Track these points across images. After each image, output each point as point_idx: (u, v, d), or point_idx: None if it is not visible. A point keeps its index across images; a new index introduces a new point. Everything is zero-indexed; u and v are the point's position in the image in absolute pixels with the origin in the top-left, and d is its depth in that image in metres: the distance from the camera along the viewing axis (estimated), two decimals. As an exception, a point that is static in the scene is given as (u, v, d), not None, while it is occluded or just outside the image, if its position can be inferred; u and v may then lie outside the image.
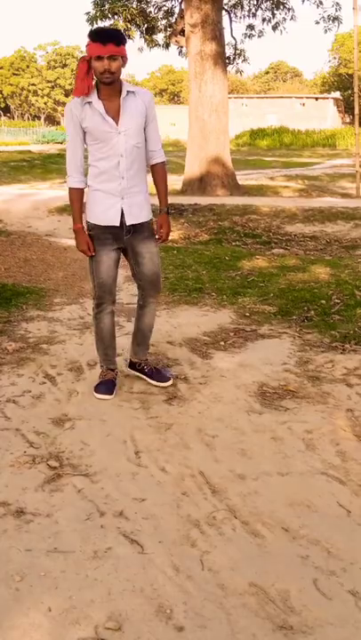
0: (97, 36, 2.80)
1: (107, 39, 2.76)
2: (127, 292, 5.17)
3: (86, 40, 2.86)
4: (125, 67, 2.88)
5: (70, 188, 3.07)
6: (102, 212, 3.05)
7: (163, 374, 3.39)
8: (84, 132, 2.95)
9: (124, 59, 2.84)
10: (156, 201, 3.20)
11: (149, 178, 3.09)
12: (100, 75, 2.81)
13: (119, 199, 3.02)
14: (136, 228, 3.08)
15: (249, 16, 15.60)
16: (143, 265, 3.16)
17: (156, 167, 3.16)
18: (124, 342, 3.82)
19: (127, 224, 3.05)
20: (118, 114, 2.91)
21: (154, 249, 3.17)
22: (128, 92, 2.92)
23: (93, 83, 2.89)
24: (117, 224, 3.04)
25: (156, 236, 3.18)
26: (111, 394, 3.25)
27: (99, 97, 2.90)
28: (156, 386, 3.33)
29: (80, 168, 3.03)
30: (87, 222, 3.12)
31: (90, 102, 2.90)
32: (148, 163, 3.14)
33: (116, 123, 2.91)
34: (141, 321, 3.34)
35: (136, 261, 3.16)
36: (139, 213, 3.08)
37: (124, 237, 3.08)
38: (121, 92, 2.91)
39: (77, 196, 3.07)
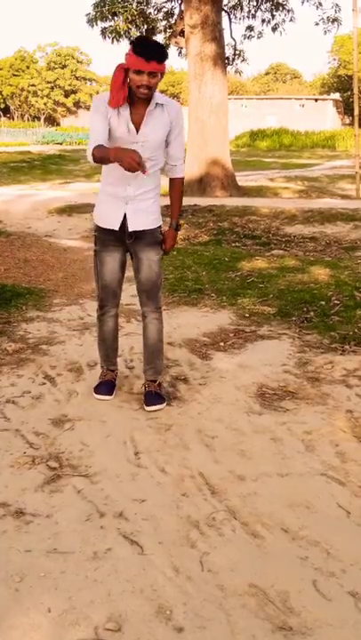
0: (142, 49, 2.65)
1: (151, 56, 2.65)
2: (127, 293, 5.16)
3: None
4: (161, 80, 2.81)
5: (93, 151, 2.74)
6: (105, 215, 3.03)
7: (155, 398, 3.15)
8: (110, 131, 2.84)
9: (162, 75, 2.76)
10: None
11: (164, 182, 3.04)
12: (136, 88, 2.72)
13: (123, 204, 2.97)
14: (139, 235, 3.02)
15: (248, 17, 15.62)
16: (141, 272, 3.09)
17: (175, 182, 3.12)
18: (122, 343, 3.83)
19: (129, 229, 2.99)
20: (141, 123, 2.84)
21: (154, 257, 3.07)
22: (157, 104, 2.84)
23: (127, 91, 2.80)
24: (116, 228, 2.99)
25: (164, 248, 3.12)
26: (110, 394, 3.24)
27: (128, 102, 2.82)
28: (145, 408, 3.13)
29: (103, 141, 2.79)
30: (94, 223, 3.11)
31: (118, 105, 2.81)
32: (168, 175, 3.09)
33: (137, 131, 2.84)
34: (144, 336, 3.22)
35: (135, 267, 3.11)
36: (143, 220, 3.00)
37: (127, 241, 3.04)
38: (150, 102, 2.82)
39: (100, 147, 2.74)
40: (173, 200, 3.15)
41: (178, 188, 3.14)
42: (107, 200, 3.02)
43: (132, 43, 2.75)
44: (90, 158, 2.82)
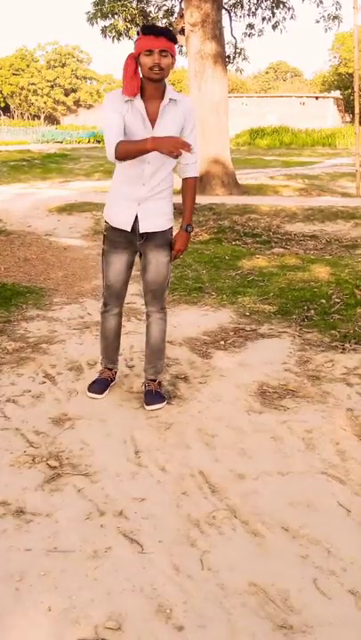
0: (149, 29, 2.68)
1: (159, 32, 2.66)
2: (128, 292, 5.16)
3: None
4: (173, 67, 2.79)
5: (116, 147, 2.70)
6: (117, 215, 2.98)
7: (155, 397, 3.15)
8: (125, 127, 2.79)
9: (173, 58, 2.74)
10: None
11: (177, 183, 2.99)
12: (148, 70, 2.69)
13: (135, 204, 2.93)
14: (150, 235, 2.98)
15: (249, 15, 15.62)
16: (148, 272, 3.06)
17: (188, 182, 3.02)
18: (122, 341, 3.82)
19: (140, 231, 2.95)
20: (156, 118, 2.80)
21: (163, 259, 3.03)
22: (170, 99, 2.80)
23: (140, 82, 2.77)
24: (128, 229, 2.95)
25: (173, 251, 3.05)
26: (101, 393, 3.23)
27: (141, 96, 2.79)
28: (145, 407, 3.13)
29: (122, 137, 2.77)
30: (104, 222, 3.08)
31: (131, 100, 2.78)
32: (180, 175, 3.03)
33: (153, 126, 2.80)
34: (147, 335, 3.21)
35: (143, 267, 3.08)
36: (154, 221, 2.96)
37: (137, 242, 3.01)
38: (163, 96, 2.80)
39: (124, 142, 2.72)
40: (187, 200, 3.05)
41: (191, 188, 3.04)
42: (119, 200, 2.98)
43: (140, 28, 2.76)
44: (111, 156, 2.75)
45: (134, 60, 2.74)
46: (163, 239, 3.01)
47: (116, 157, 2.74)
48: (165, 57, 2.69)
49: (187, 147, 2.58)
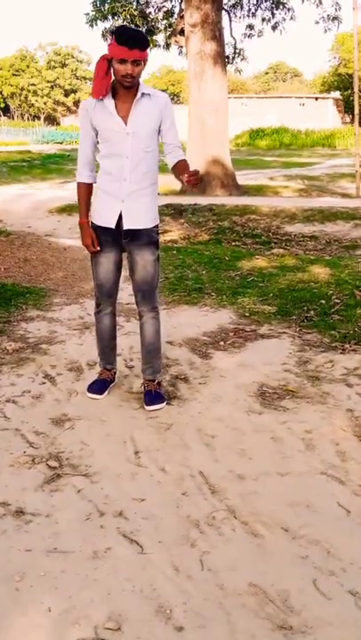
0: (123, 39, 2.68)
1: (133, 44, 2.68)
2: (126, 292, 5.16)
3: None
4: (145, 68, 2.83)
5: (78, 183, 3.07)
6: (101, 213, 3.02)
7: (154, 397, 3.14)
8: (96, 131, 2.90)
9: (145, 62, 2.78)
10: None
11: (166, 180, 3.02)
12: (121, 77, 2.74)
13: (119, 201, 2.95)
14: (135, 234, 2.99)
15: (248, 16, 15.63)
16: (136, 272, 3.07)
17: (180, 162, 2.96)
18: (122, 342, 3.83)
19: (124, 228, 2.97)
20: (129, 114, 2.84)
21: (149, 257, 3.03)
22: (143, 94, 2.85)
23: (111, 82, 2.83)
24: (112, 226, 2.98)
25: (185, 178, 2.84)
26: (101, 394, 3.24)
27: (112, 96, 2.84)
28: (145, 408, 3.12)
29: (89, 164, 3.02)
30: (91, 222, 3.10)
31: (101, 101, 2.84)
32: (170, 165, 3.02)
33: (125, 123, 2.84)
34: (141, 335, 3.21)
35: (130, 267, 3.09)
36: (138, 219, 2.97)
37: (122, 241, 3.03)
38: (136, 93, 2.84)
39: (84, 190, 3.05)
40: (180, 163, 2.95)
41: (183, 162, 2.96)
42: (102, 197, 3.00)
43: (113, 32, 2.78)
44: (78, 180, 3.09)
45: (106, 61, 2.78)
46: (148, 238, 3.02)
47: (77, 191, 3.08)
48: (138, 65, 2.74)
49: (91, 248, 3.04)
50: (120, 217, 2.97)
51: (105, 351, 3.33)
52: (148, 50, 2.81)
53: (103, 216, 3.01)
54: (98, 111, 2.87)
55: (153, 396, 3.15)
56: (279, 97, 46.77)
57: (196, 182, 2.83)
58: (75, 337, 4.18)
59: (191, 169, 2.86)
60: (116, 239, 3.03)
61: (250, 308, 4.78)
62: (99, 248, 3.04)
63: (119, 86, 2.82)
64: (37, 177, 16.21)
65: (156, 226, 3.09)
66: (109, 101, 2.85)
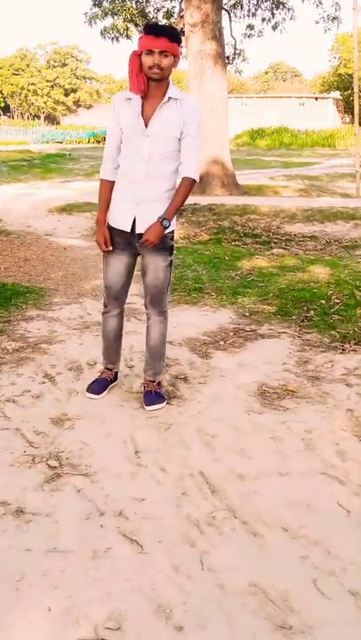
0: (150, 28, 2.68)
1: (160, 33, 2.65)
2: (129, 292, 5.16)
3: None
4: (176, 67, 2.78)
5: (100, 179, 3.03)
6: (116, 215, 2.98)
7: (154, 398, 3.13)
8: (121, 128, 2.86)
9: (176, 58, 2.73)
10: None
11: None
12: (148, 69, 2.70)
13: (134, 205, 2.91)
14: None
15: (249, 16, 15.62)
16: (147, 276, 3.05)
17: (183, 181, 2.89)
18: (122, 341, 3.82)
19: (137, 232, 2.93)
20: (152, 116, 2.79)
21: (161, 263, 3.00)
22: (170, 98, 2.78)
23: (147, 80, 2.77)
24: (128, 230, 2.95)
25: (140, 241, 2.91)
26: (99, 394, 3.23)
27: (143, 95, 2.81)
28: (145, 408, 3.12)
29: (112, 161, 2.94)
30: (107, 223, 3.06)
31: (130, 98, 2.81)
32: (180, 175, 2.92)
33: (146, 125, 2.80)
34: (147, 337, 3.20)
35: (142, 270, 3.08)
36: (152, 223, 2.89)
37: (135, 244, 3.00)
38: (164, 95, 2.79)
39: (105, 187, 2.99)
40: (175, 195, 2.90)
41: (183, 186, 2.88)
42: (118, 199, 2.97)
43: (144, 27, 2.77)
44: (100, 175, 3.06)
45: (138, 57, 2.74)
46: (161, 243, 2.95)
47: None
48: (166, 57, 2.69)
49: (103, 246, 3.01)
50: (134, 220, 2.93)
51: (109, 351, 3.33)
52: (179, 46, 2.75)
53: (118, 219, 2.98)
54: (125, 108, 2.83)
55: (153, 396, 3.15)
56: (279, 97, 46.75)
57: (148, 244, 2.87)
58: (75, 336, 4.18)
59: (162, 217, 2.85)
60: (130, 243, 3.00)
61: (250, 307, 4.78)
62: (111, 248, 2.99)
63: (149, 84, 2.77)
64: (37, 176, 16.20)
65: (172, 231, 3.02)
66: (137, 100, 2.80)
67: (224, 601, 1.84)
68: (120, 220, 2.97)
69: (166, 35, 2.67)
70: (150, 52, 2.67)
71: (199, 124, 2.86)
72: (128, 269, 3.10)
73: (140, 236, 2.94)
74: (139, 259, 3.13)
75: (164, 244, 2.98)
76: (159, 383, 3.23)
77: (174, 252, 3.13)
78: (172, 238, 3.06)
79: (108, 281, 3.13)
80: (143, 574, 1.94)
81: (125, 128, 2.84)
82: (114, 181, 2.98)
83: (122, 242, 3.01)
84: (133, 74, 2.75)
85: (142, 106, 2.81)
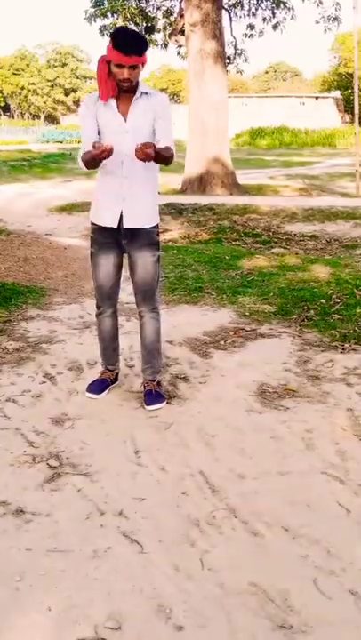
0: (120, 44, 2.67)
1: (131, 50, 2.67)
2: (127, 292, 5.16)
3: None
4: (143, 69, 2.84)
5: (81, 159, 2.87)
6: (102, 213, 3.01)
7: (155, 397, 3.13)
8: (98, 125, 2.89)
9: (143, 64, 2.79)
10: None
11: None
12: (119, 80, 2.77)
13: (120, 201, 2.95)
14: (134, 234, 2.99)
15: (249, 15, 15.61)
16: (136, 273, 3.07)
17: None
18: (122, 341, 3.82)
19: (124, 227, 2.96)
20: (128, 112, 2.87)
21: (149, 258, 3.03)
22: (142, 93, 2.86)
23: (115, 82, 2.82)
24: (115, 226, 2.97)
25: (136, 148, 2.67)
26: (99, 394, 3.23)
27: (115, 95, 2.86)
28: (145, 407, 3.11)
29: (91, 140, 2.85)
30: (90, 223, 3.10)
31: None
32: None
33: (125, 121, 2.87)
34: (141, 336, 3.21)
35: (130, 268, 3.10)
36: (139, 218, 2.97)
37: (122, 242, 3.03)
38: (135, 92, 2.86)
39: (85, 153, 2.83)
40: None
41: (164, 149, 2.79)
42: (103, 197, 3.01)
43: (111, 35, 2.77)
44: (81, 165, 2.91)
45: (106, 63, 2.78)
46: (148, 239, 3.01)
47: (86, 167, 2.89)
48: (136, 69, 2.75)
49: (107, 151, 2.64)
50: (121, 216, 2.96)
51: (106, 352, 3.33)
52: (147, 52, 2.80)
53: (104, 216, 3.01)
54: (101, 107, 2.89)
55: (153, 395, 3.15)
56: (279, 96, 46.76)
57: (142, 157, 2.63)
58: (75, 336, 4.18)
59: (164, 148, 2.75)
60: (117, 240, 3.03)
61: (250, 307, 4.78)
62: (110, 145, 2.68)
63: (119, 86, 2.83)
64: (37, 176, 16.21)
65: (157, 226, 3.08)
66: (112, 100, 2.87)
67: (224, 600, 1.84)
68: (106, 217, 3.00)
69: (135, 51, 2.69)
70: (120, 66, 2.72)
71: (169, 117, 2.93)
72: (117, 268, 3.12)
73: (127, 232, 2.97)
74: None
75: (149, 240, 3.02)
76: (159, 383, 3.23)
77: (160, 249, 3.14)
78: (157, 234, 3.09)
79: (98, 281, 3.14)
80: (143, 574, 1.94)
81: (104, 127, 2.89)
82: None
83: (109, 240, 3.04)
84: (102, 81, 2.80)
85: (117, 104, 2.87)
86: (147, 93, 2.89)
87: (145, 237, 3.02)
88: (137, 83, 2.86)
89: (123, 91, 2.84)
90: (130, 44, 2.69)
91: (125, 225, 2.96)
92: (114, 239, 3.03)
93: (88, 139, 2.87)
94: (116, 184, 2.94)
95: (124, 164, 2.90)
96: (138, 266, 3.05)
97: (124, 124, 2.86)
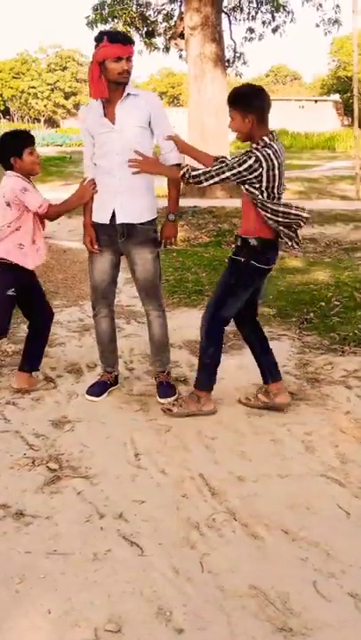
0: (116, 37, 2.84)
1: (126, 40, 2.85)
2: (127, 295, 5.17)
3: (93, 43, 2.87)
4: None
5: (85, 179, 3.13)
6: (96, 209, 3.07)
7: (166, 389, 3.24)
8: (92, 135, 3.01)
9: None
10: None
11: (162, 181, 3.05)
12: (118, 75, 2.84)
13: (112, 197, 3.00)
14: (130, 232, 3.01)
15: (249, 19, 15.62)
16: (136, 272, 3.09)
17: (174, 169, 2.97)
18: (122, 344, 3.82)
19: (117, 222, 2.99)
20: (115, 114, 2.93)
21: (148, 256, 3.06)
22: (129, 94, 2.93)
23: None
24: (107, 222, 3.02)
25: (161, 241, 3.11)
26: (99, 396, 3.25)
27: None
28: (158, 400, 3.21)
29: (93, 168, 3.08)
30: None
31: (91, 106, 2.98)
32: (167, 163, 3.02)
33: (113, 122, 2.93)
34: (150, 333, 3.26)
35: (131, 268, 3.12)
36: (132, 213, 2.99)
37: (118, 241, 3.05)
38: (122, 93, 2.92)
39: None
40: (170, 189, 3.10)
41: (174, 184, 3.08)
42: (98, 195, 3.06)
43: (100, 37, 2.85)
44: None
45: (98, 64, 2.85)
46: (144, 236, 3.04)
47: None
48: (130, 61, 2.88)
49: (89, 247, 3.11)
50: (114, 213, 3.00)
51: (105, 354, 3.34)
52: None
53: (98, 212, 3.06)
54: (90, 115, 2.99)
55: (165, 387, 3.22)
56: (279, 99, 46.80)
57: (169, 241, 3.12)
58: (74, 339, 4.18)
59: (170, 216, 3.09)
60: (112, 239, 3.05)
61: (250, 310, 4.77)
62: (98, 248, 3.08)
63: (110, 88, 2.90)
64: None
65: (153, 222, 3.09)
66: (99, 104, 2.95)
67: (224, 603, 1.84)
68: (100, 213, 3.05)
69: (130, 42, 2.87)
70: (119, 59, 2.82)
71: (166, 116, 3.03)
72: (113, 267, 3.14)
73: (123, 229, 3.01)
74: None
75: (146, 237, 3.05)
76: (168, 373, 3.31)
77: (158, 245, 3.16)
78: (155, 231, 3.11)
79: (94, 281, 3.17)
80: (143, 577, 1.94)
81: (93, 131, 2.98)
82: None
83: (105, 238, 3.07)
84: (94, 81, 2.89)
85: (104, 108, 2.95)
86: (135, 94, 2.96)
87: (141, 234, 3.04)
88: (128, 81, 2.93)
89: (112, 91, 2.90)
90: (124, 36, 2.90)
91: (119, 220, 3.00)
92: (109, 237, 3.06)
93: (86, 161, 3.12)
94: (109, 182, 3.00)
95: (116, 161, 2.95)
96: (137, 264, 3.07)
97: (112, 125, 2.93)
